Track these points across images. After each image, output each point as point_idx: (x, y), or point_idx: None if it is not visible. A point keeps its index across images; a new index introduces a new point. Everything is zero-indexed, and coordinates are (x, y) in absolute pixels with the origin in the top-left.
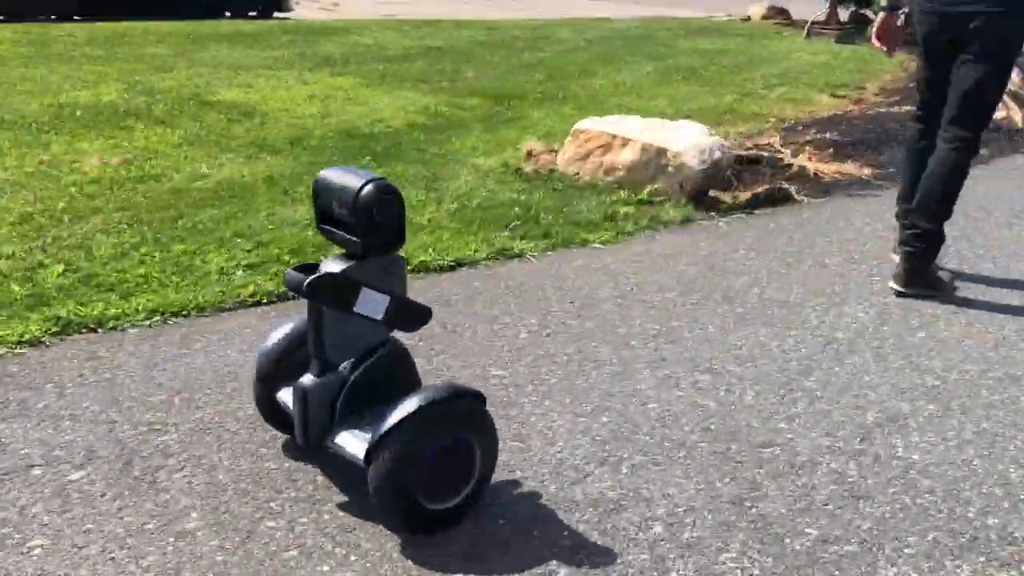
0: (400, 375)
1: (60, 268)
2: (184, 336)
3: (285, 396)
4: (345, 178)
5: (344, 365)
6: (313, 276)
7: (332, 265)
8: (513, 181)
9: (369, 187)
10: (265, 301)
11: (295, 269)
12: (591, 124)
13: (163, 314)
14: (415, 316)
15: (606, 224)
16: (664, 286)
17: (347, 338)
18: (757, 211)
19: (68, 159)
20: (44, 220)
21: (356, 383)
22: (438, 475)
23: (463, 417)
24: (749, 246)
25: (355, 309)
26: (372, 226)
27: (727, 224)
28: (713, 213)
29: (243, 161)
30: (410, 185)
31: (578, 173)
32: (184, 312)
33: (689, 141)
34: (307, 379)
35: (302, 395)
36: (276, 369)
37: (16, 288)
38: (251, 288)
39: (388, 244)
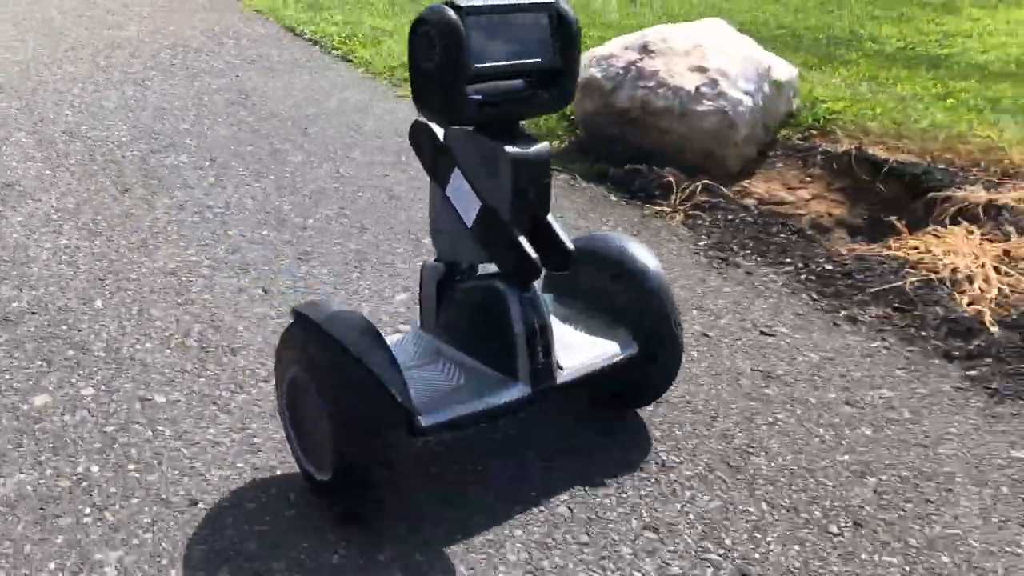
0: (488, 326)
1: None
2: None
3: None
4: None
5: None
6: (418, 118)
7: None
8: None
9: (421, 15)
10: None
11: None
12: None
13: None
14: (507, 259)
15: None
16: None
17: (442, 225)
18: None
19: None
20: None
21: (448, 294)
22: (300, 419)
23: (310, 354)
24: None
25: (447, 191)
26: (416, 73)
27: None
28: None
29: None
30: None
31: None
32: None
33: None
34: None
35: (421, 270)
36: None
37: None
38: None
39: (438, 108)
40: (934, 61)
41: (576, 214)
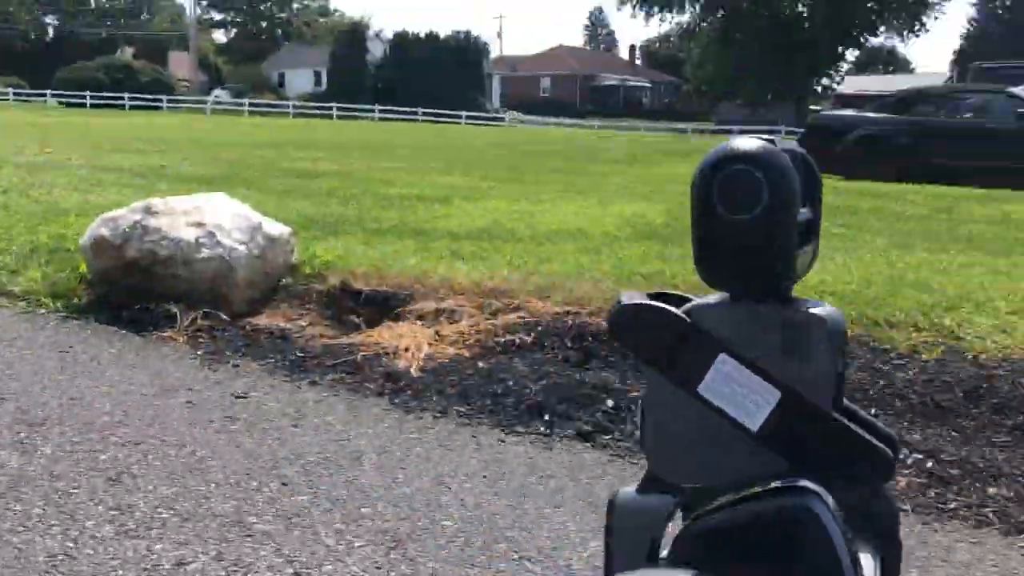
0: (788, 561)
1: None
2: None
3: None
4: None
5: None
6: (624, 301)
7: (693, 300)
8: None
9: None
10: None
11: (652, 296)
12: None
13: None
14: (843, 453)
15: None
16: None
17: (684, 438)
18: None
19: None
20: None
21: (690, 532)
22: None
23: None
24: None
25: (699, 389)
26: (714, 224)
27: None
28: None
29: None
30: None
31: None
32: None
33: None
34: (626, 488)
35: (609, 505)
36: None
37: None
38: None
39: (759, 272)
40: (418, 231)
41: (90, 350)
